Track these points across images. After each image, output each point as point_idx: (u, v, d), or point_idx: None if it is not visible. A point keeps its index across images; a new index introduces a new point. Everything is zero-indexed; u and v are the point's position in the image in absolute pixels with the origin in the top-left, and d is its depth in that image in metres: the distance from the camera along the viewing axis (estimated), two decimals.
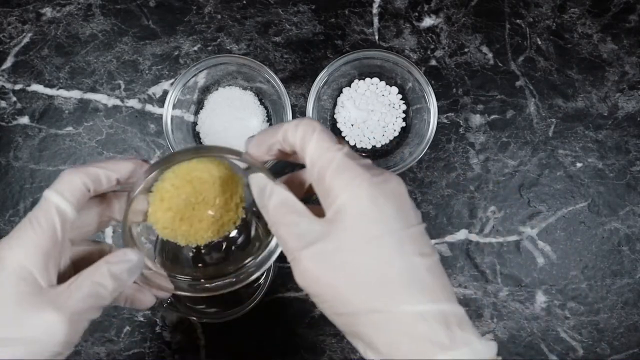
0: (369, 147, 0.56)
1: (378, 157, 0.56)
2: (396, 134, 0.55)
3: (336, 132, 0.56)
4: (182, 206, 0.36)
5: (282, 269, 0.56)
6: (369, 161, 0.32)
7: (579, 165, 0.56)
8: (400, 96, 0.55)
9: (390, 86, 0.55)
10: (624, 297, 0.55)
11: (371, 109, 0.55)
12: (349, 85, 0.56)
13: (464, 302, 0.56)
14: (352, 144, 0.56)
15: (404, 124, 0.56)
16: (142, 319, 0.56)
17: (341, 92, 0.56)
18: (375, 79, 0.55)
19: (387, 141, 0.56)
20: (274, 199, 0.33)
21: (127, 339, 0.56)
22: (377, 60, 0.53)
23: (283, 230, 0.32)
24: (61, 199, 0.32)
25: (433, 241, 0.56)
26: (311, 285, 0.31)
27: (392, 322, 0.29)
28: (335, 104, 0.56)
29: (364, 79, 0.55)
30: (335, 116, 0.56)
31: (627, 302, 0.55)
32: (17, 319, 0.30)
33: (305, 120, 0.33)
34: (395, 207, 0.30)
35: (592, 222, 0.56)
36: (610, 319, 0.55)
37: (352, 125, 0.55)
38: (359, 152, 0.56)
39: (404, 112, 0.56)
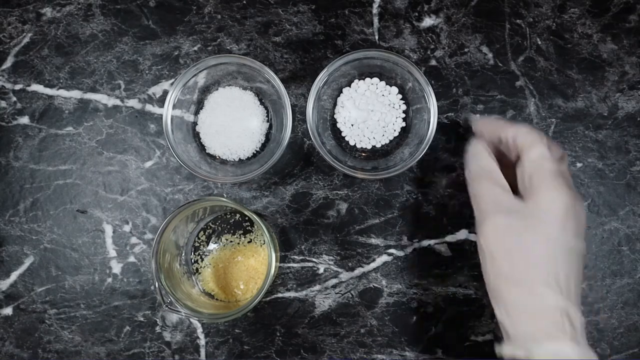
0: (369, 147, 0.56)
1: (378, 157, 0.56)
2: (396, 134, 0.55)
3: (336, 132, 0.56)
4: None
5: (282, 269, 0.56)
6: (568, 173, 0.41)
7: (579, 165, 0.56)
8: (400, 96, 0.55)
9: (390, 86, 0.55)
10: (624, 297, 0.55)
11: (371, 109, 0.55)
12: (349, 85, 0.56)
13: (464, 302, 0.56)
14: (352, 143, 0.56)
15: (404, 124, 0.56)
16: (142, 319, 0.56)
17: (341, 92, 0.56)
18: (375, 79, 0.55)
19: (387, 141, 0.56)
20: (482, 163, 0.43)
21: (127, 339, 0.56)
22: (377, 60, 0.53)
23: (482, 191, 0.42)
24: None
25: (433, 241, 0.56)
26: (489, 244, 0.40)
27: (532, 297, 0.38)
28: (335, 104, 0.56)
29: (363, 79, 0.55)
30: (335, 116, 0.56)
31: (627, 302, 0.55)
32: None
33: (536, 131, 0.42)
34: (576, 224, 0.39)
35: (592, 222, 0.56)
36: (610, 319, 0.55)
37: (352, 125, 0.55)
38: (359, 151, 0.56)
39: (404, 112, 0.56)
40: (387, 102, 0.55)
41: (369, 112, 0.55)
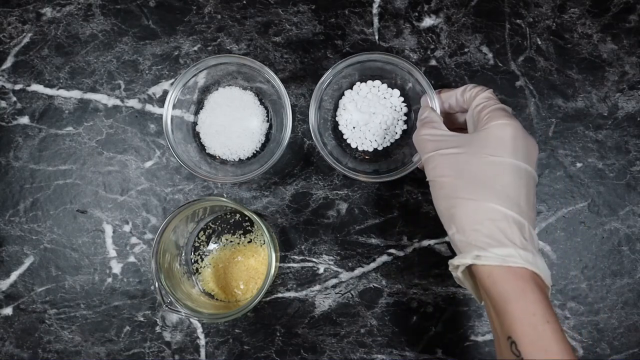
0: (371, 149, 0.55)
1: (379, 158, 0.56)
2: (397, 136, 0.55)
3: (338, 134, 0.56)
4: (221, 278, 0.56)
5: (282, 269, 0.56)
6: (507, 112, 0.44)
7: (579, 165, 0.56)
8: (402, 99, 0.55)
9: (392, 89, 0.55)
10: (624, 297, 0.55)
11: (373, 111, 0.54)
12: (351, 88, 0.55)
13: (464, 302, 0.56)
14: (353, 146, 0.56)
15: (405, 127, 0.56)
16: (142, 319, 0.56)
17: (342, 94, 0.55)
18: (377, 82, 0.55)
19: (389, 144, 0.55)
20: (424, 116, 0.47)
21: (127, 339, 0.56)
22: (378, 63, 0.53)
23: (425, 135, 0.44)
24: None
25: (433, 241, 0.56)
26: (437, 176, 0.42)
27: (481, 210, 0.39)
28: (336, 105, 0.56)
29: (365, 82, 0.55)
30: (337, 119, 0.56)
31: (627, 302, 0.55)
32: None
33: (479, 86, 0.46)
34: (526, 151, 0.41)
35: (592, 222, 0.56)
36: (610, 319, 0.55)
37: (354, 127, 0.55)
38: (360, 154, 0.56)
39: (405, 114, 0.55)
40: (389, 104, 0.55)
41: (370, 115, 0.54)
